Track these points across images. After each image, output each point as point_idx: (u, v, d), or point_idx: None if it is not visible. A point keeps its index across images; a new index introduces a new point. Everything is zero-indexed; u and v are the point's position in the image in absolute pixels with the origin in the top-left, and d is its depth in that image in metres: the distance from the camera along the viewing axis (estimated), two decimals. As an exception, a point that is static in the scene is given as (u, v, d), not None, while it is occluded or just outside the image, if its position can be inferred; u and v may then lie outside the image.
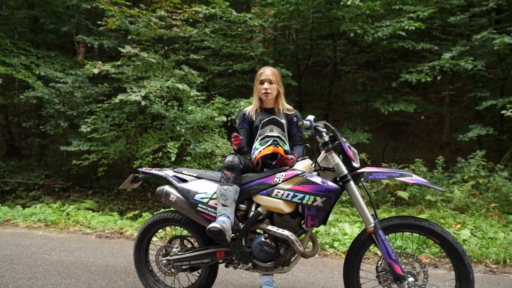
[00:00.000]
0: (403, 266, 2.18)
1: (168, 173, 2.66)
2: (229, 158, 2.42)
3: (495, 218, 6.12)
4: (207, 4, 7.88)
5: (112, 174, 9.53)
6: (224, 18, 8.09)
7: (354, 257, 2.30)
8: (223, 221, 2.25)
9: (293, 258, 2.41)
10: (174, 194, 2.55)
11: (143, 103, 6.51)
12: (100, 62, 6.90)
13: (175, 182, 2.59)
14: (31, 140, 13.23)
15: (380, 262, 2.29)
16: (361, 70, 13.53)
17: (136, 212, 6.30)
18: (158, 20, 7.17)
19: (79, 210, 5.89)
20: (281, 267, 2.42)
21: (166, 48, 7.91)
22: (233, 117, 6.98)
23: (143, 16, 7.14)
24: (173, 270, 2.64)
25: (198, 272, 2.70)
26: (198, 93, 6.80)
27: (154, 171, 2.71)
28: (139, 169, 2.79)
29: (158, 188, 2.63)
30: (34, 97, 7.94)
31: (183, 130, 6.49)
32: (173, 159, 6.23)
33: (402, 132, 14.94)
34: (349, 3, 7.24)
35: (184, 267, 2.68)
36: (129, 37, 7.73)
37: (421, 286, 2.23)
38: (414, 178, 2.19)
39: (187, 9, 7.40)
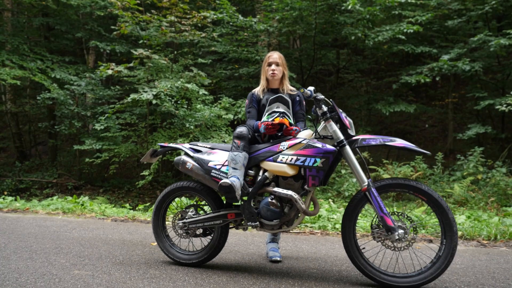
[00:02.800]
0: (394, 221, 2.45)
1: (185, 145, 2.97)
2: (239, 129, 2.72)
3: (494, 211, 6.33)
4: (214, 10, 8.28)
5: (122, 174, 9.86)
6: (231, 23, 8.48)
7: (350, 214, 2.57)
8: (233, 180, 2.54)
9: (296, 218, 2.68)
10: (190, 162, 2.86)
11: (154, 101, 6.86)
12: (113, 64, 7.28)
13: (191, 152, 2.90)
14: (41, 148, 13.62)
15: (374, 220, 2.55)
16: (364, 78, 13.87)
17: (147, 204, 6.59)
18: (168, 25, 7.57)
19: (93, 202, 6.19)
20: (285, 226, 2.69)
21: (175, 52, 8.30)
22: (240, 116, 7.31)
23: (154, 21, 7.54)
24: (188, 232, 2.93)
25: (210, 237, 2.97)
26: (206, 92, 7.14)
27: (172, 144, 3.02)
28: (158, 143, 3.10)
29: (176, 158, 2.94)
30: (50, 98, 8.32)
31: (192, 127, 6.82)
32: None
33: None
34: (350, 7, 7.60)
35: (197, 232, 2.97)
36: (141, 41, 8.13)
37: (411, 241, 2.50)
38: (403, 143, 2.47)
39: (196, 15, 7.80)
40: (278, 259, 3.06)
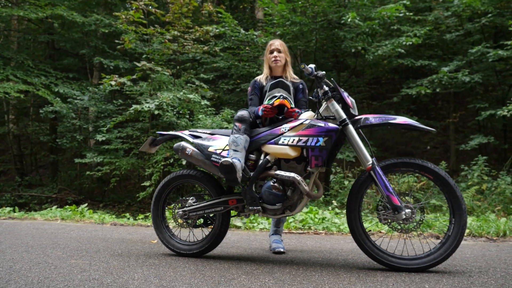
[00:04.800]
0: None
1: (184, 132, 2.94)
2: (240, 112, 2.70)
3: (500, 219, 6.20)
4: (217, 24, 8.44)
5: (123, 190, 9.76)
6: (233, 37, 8.62)
7: (355, 195, 2.50)
8: (235, 160, 2.50)
9: (299, 202, 2.61)
10: (190, 148, 2.82)
11: (156, 112, 6.87)
12: (116, 76, 7.35)
13: (190, 138, 2.86)
14: (42, 171, 13.56)
15: (380, 202, 2.48)
16: (365, 99, 13.95)
17: (148, 214, 6.48)
18: (171, 38, 7.70)
19: (92, 211, 6.09)
20: (288, 211, 2.62)
21: (178, 67, 8.40)
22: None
23: (158, 34, 7.67)
24: (188, 221, 2.85)
25: (211, 227, 2.89)
26: (208, 103, 7.17)
27: (171, 132, 2.99)
28: (157, 132, 3.07)
29: (175, 144, 2.89)
30: (53, 112, 8.36)
31: (193, 137, 6.79)
32: (184, 163, 6.50)
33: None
34: (349, 20, 7.72)
35: (198, 223, 2.90)
36: (144, 56, 8.25)
37: (419, 222, 2.43)
38: (406, 120, 2.43)
39: (199, 29, 7.93)
40: (282, 250, 2.97)
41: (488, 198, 6.81)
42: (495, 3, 8.60)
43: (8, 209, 6.33)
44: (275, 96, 2.80)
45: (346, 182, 7.54)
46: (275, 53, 2.99)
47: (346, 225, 4.48)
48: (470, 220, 4.52)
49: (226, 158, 2.49)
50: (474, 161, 7.37)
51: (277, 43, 3.03)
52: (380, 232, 3.96)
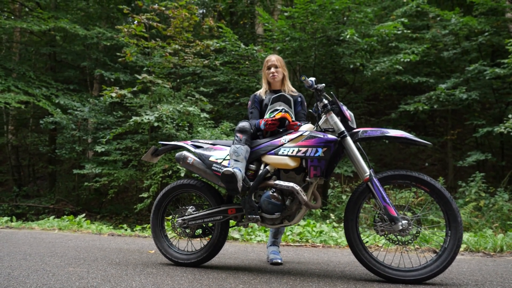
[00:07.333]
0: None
1: (187, 142, 2.98)
2: (242, 124, 2.75)
3: (497, 236, 6.20)
4: (217, 38, 8.58)
5: (120, 203, 9.73)
6: (233, 52, 8.75)
7: (353, 207, 2.52)
8: (236, 170, 2.53)
9: (298, 212, 2.63)
10: (191, 157, 2.85)
11: (156, 124, 6.93)
12: (117, 88, 7.43)
13: (192, 148, 2.90)
14: (40, 182, 13.52)
15: (376, 214, 2.51)
16: (363, 115, 14.06)
17: (145, 225, 6.46)
18: (172, 52, 7.81)
19: (89, 221, 6.07)
20: (286, 221, 2.64)
21: (178, 80, 8.50)
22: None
23: (159, 48, 7.79)
24: (187, 231, 2.86)
25: (210, 237, 2.90)
26: (207, 116, 7.23)
27: (173, 142, 3.04)
28: (159, 142, 3.11)
29: (177, 154, 2.93)
30: (53, 122, 8.40)
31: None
32: (182, 175, 6.51)
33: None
34: (348, 37, 7.86)
35: (196, 233, 2.91)
36: (145, 69, 8.35)
37: (416, 235, 2.45)
38: (402, 133, 2.48)
39: (199, 43, 8.06)
40: (279, 261, 2.98)
41: (485, 215, 6.82)
42: (491, 22, 8.79)
43: (5, 218, 6.31)
44: (277, 110, 2.86)
45: (344, 197, 7.54)
46: (272, 69, 3.05)
47: (343, 238, 4.49)
48: (467, 235, 4.54)
49: (228, 168, 2.53)
50: (472, 177, 7.40)
51: (273, 58, 3.09)
52: (378, 246, 3.96)
